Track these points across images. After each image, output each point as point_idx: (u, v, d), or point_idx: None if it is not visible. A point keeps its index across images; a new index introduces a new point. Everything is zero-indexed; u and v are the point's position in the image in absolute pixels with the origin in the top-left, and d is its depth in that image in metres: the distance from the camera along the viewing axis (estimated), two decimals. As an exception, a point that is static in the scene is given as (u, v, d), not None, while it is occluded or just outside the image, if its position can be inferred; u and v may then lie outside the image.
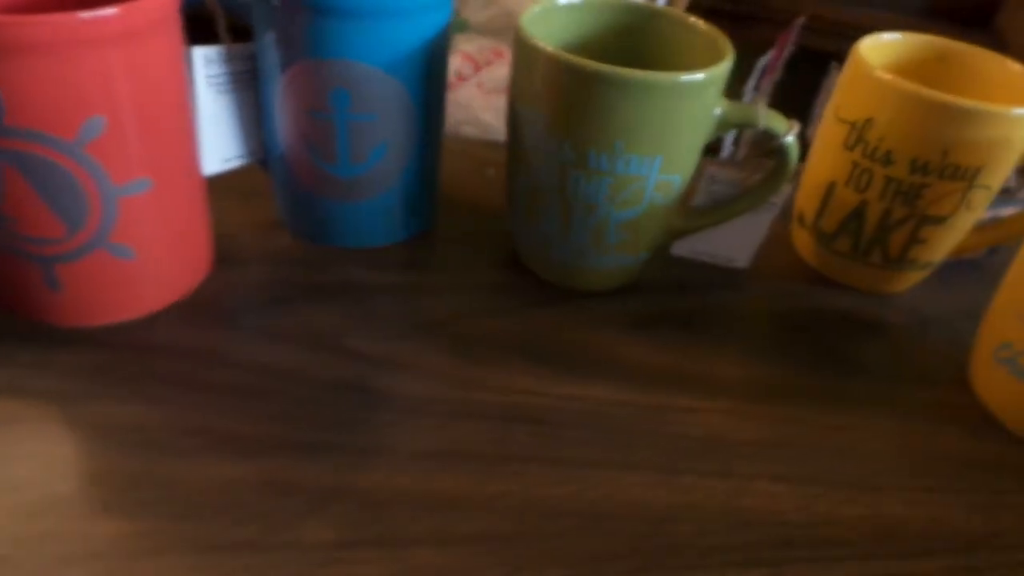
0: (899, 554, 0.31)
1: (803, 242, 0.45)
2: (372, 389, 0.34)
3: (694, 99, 0.34)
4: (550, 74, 0.33)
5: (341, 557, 0.28)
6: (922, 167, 0.38)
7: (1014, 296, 0.35)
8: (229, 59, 0.36)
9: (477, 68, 1.00)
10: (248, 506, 0.29)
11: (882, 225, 0.40)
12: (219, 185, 0.39)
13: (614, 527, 0.30)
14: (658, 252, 0.42)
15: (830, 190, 0.41)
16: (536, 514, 0.30)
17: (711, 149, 0.42)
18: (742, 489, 0.32)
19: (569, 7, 0.38)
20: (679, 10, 0.39)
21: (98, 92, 0.28)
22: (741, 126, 0.36)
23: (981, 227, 0.43)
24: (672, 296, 0.42)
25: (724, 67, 0.34)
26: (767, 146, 0.37)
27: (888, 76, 0.37)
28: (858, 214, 0.41)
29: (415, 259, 0.42)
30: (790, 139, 0.36)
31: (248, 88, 0.37)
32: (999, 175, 0.38)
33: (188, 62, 0.34)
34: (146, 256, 0.33)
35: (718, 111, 0.35)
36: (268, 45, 0.35)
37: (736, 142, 0.44)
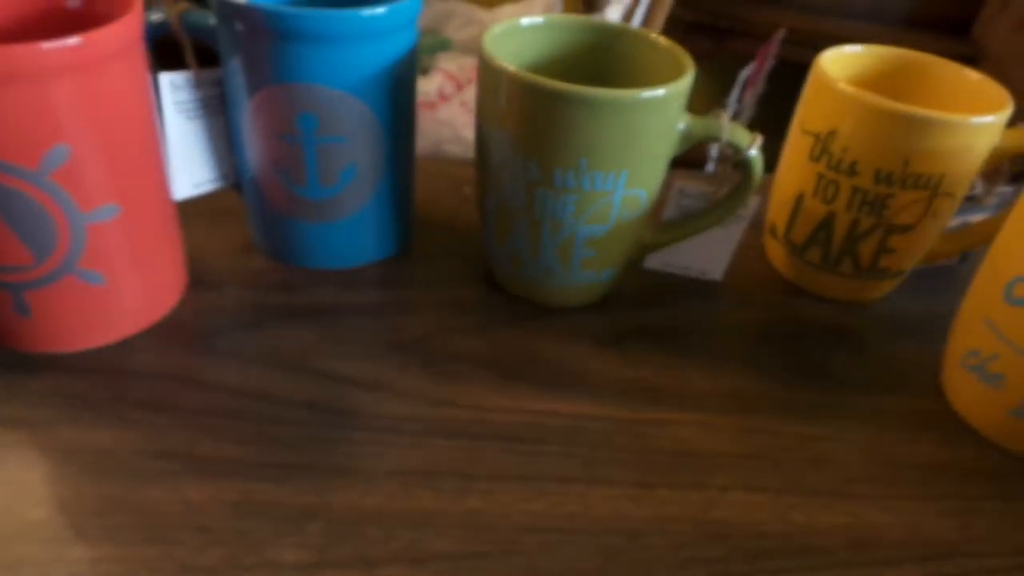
0: (876, 562, 0.31)
1: (776, 254, 0.46)
2: (345, 409, 0.34)
3: (657, 114, 0.34)
4: (513, 94, 0.34)
5: (314, 577, 0.28)
6: (886, 177, 0.38)
7: (980, 303, 0.36)
8: (197, 85, 0.36)
9: (459, 87, 1.01)
10: (222, 528, 0.29)
11: (850, 235, 0.41)
12: (193, 208, 0.40)
13: (588, 542, 0.30)
14: (631, 267, 0.42)
15: (799, 202, 0.42)
16: (510, 530, 0.30)
17: (687, 162, 0.43)
18: (716, 501, 0.32)
19: (532, 26, 0.39)
20: (641, 28, 0.39)
21: (61, 121, 0.28)
22: (705, 140, 0.37)
23: (950, 234, 0.43)
24: (646, 310, 0.42)
25: (685, 82, 0.35)
26: (734, 158, 0.38)
27: (849, 88, 0.38)
28: (826, 225, 0.41)
29: (389, 278, 0.42)
30: (754, 152, 0.37)
31: (217, 113, 0.38)
32: (962, 183, 0.39)
33: (155, 88, 0.34)
34: (116, 281, 0.33)
35: (681, 125, 0.36)
36: (234, 70, 0.35)
37: (719, 156, 0.45)
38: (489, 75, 0.35)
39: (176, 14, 0.35)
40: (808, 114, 0.41)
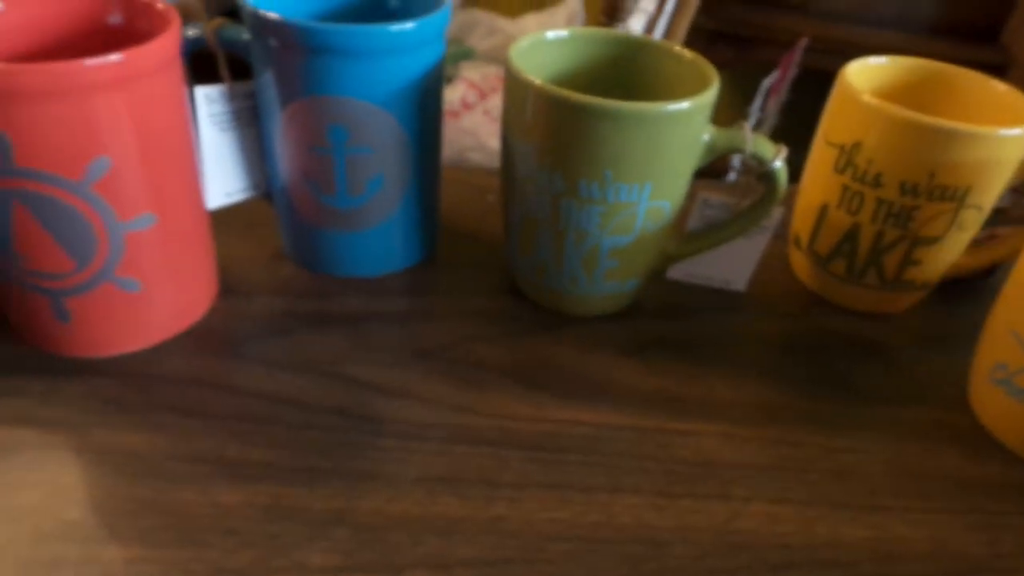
0: (900, 575, 0.31)
1: (800, 264, 0.46)
2: (372, 416, 0.35)
3: (681, 127, 0.35)
4: (539, 107, 0.34)
5: (341, 581, 0.28)
6: (911, 189, 0.38)
7: (1008, 316, 0.35)
8: (230, 97, 0.37)
9: (482, 96, 1.02)
10: (251, 531, 0.29)
11: (875, 247, 0.41)
12: (225, 217, 0.41)
13: (611, 551, 0.30)
14: (655, 277, 0.42)
15: (823, 213, 0.42)
16: (534, 538, 0.30)
17: (712, 173, 0.43)
18: (740, 512, 0.32)
19: (557, 40, 0.39)
20: (665, 39, 0.40)
21: (103, 134, 0.29)
22: (729, 152, 0.37)
23: (977, 246, 0.43)
24: (669, 320, 0.42)
25: (710, 95, 0.35)
26: (758, 170, 0.38)
27: (874, 100, 0.38)
28: (851, 236, 0.41)
29: (415, 287, 0.42)
30: (778, 164, 0.37)
31: (250, 124, 0.39)
32: (989, 195, 0.39)
33: (191, 101, 0.35)
34: (152, 288, 0.34)
35: (706, 137, 0.36)
36: (267, 84, 0.36)
37: (742, 167, 0.45)
38: (515, 88, 0.36)
39: (212, 29, 0.36)
40: (833, 126, 0.41)
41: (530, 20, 1.15)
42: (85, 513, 0.29)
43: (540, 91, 0.34)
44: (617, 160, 0.34)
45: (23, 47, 0.33)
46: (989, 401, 0.37)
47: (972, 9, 1.52)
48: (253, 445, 0.33)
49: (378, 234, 0.41)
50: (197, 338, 0.37)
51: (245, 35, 0.36)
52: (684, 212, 0.40)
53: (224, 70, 0.37)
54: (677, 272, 0.44)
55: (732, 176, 0.46)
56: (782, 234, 0.46)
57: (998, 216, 0.43)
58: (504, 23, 1.16)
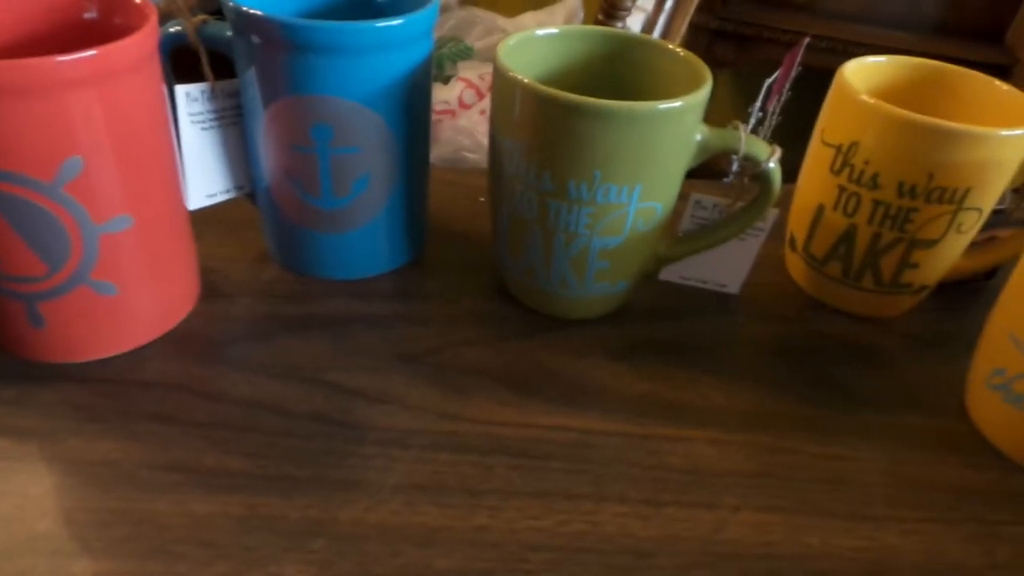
0: (893, 587, 0.30)
1: (795, 266, 0.45)
2: (354, 423, 0.34)
3: (673, 126, 0.34)
4: (527, 105, 0.34)
5: (318, 594, 0.27)
6: (909, 190, 0.37)
7: (1006, 320, 0.35)
8: (212, 96, 0.36)
9: (480, 95, 1.01)
10: (226, 543, 0.29)
11: (872, 249, 0.40)
12: (207, 218, 0.40)
13: (595, 561, 0.29)
14: (646, 279, 0.42)
15: (819, 214, 0.41)
16: (515, 548, 0.30)
17: (704, 173, 0.42)
18: (728, 521, 0.32)
19: (547, 37, 0.39)
20: (658, 38, 0.39)
21: (76, 133, 0.29)
22: (723, 152, 0.36)
23: (976, 249, 0.42)
24: (661, 323, 0.42)
25: (702, 93, 0.34)
26: (752, 170, 0.37)
27: (871, 99, 0.37)
28: (847, 238, 0.40)
29: (401, 289, 0.42)
30: (772, 165, 0.36)
31: (233, 123, 0.38)
32: (989, 197, 0.38)
33: (171, 99, 0.35)
34: (129, 292, 0.34)
35: (698, 137, 0.35)
36: (250, 82, 0.35)
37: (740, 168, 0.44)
38: (503, 86, 0.35)
39: (193, 26, 0.35)
40: (829, 125, 0.40)
41: (528, 18, 1.14)
42: (55, 525, 0.29)
43: (528, 89, 0.33)
44: (607, 160, 0.34)
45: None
46: (986, 407, 0.36)
47: (977, 9, 1.50)
48: (230, 453, 0.32)
49: (364, 235, 0.40)
50: (176, 343, 0.37)
51: (228, 32, 0.35)
52: (676, 213, 0.39)
53: (206, 68, 0.36)
54: (669, 274, 0.43)
55: (732, 177, 0.45)
56: (777, 235, 0.45)
57: (998, 217, 0.42)
58: (503, 21, 1.15)
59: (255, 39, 0.34)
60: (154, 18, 0.31)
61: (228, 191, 0.39)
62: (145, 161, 0.32)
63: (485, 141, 0.98)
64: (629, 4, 0.85)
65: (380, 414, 0.34)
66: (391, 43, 0.35)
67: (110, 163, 0.30)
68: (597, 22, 0.86)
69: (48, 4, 0.33)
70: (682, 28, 0.90)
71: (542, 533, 0.30)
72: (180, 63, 0.37)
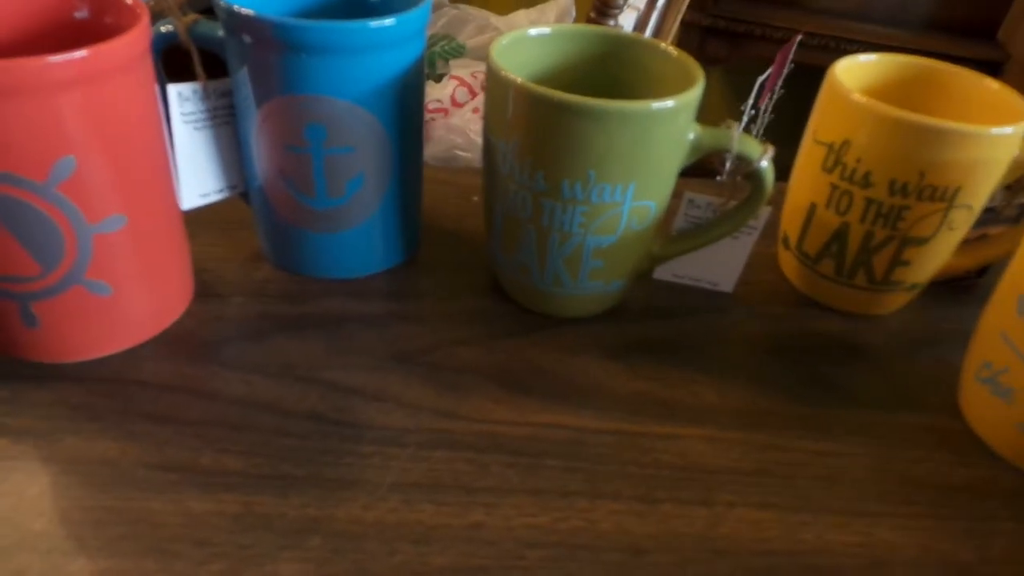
0: (888, 583, 0.30)
1: (788, 264, 0.45)
2: (350, 421, 0.34)
3: (666, 126, 0.34)
4: (520, 105, 0.34)
5: (315, 592, 0.27)
6: (901, 188, 0.37)
7: (997, 316, 0.35)
8: (205, 96, 0.36)
9: (473, 93, 1.01)
10: (222, 541, 0.29)
11: (864, 247, 0.40)
12: (201, 218, 0.40)
13: (590, 558, 0.30)
14: (640, 277, 0.42)
15: (811, 212, 0.41)
16: (511, 545, 0.30)
17: (698, 172, 0.42)
18: (723, 517, 0.32)
19: (540, 37, 0.39)
20: (650, 37, 0.39)
21: (68, 133, 0.29)
22: (715, 151, 0.36)
23: (968, 246, 0.42)
24: (655, 321, 0.42)
25: (695, 93, 0.34)
26: (744, 169, 0.37)
27: (862, 98, 0.37)
28: (840, 236, 0.40)
29: (396, 288, 0.42)
30: (764, 164, 0.36)
31: (226, 123, 0.38)
32: (980, 194, 0.38)
33: (163, 99, 0.34)
34: (123, 292, 0.34)
35: (691, 136, 0.35)
36: (243, 82, 0.35)
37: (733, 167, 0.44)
38: (496, 86, 0.35)
39: (185, 26, 0.35)
40: (821, 124, 0.40)
41: (520, 16, 1.14)
42: (51, 524, 0.29)
43: (521, 89, 0.33)
44: (601, 160, 0.34)
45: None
46: (975, 400, 0.36)
47: (969, 6, 1.51)
48: (226, 452, 0.32)
49: (358, 235, 0.40)
50: (171, 342, 0.37)
51: (219, 32, 0.35)
52: (670, 212, 0.39)
53: (199, 68, 0.36)
54: (663, 273, 0.43)
55: (727, 176, 0.45)
56: (771, 234, 0.46)
57: (989, 215, 0.42)
58: (495, 20, 1.15)
59: (247, 39, 0.34)
60: (145, 18, 0.31)
61: (221, 191, 0.39)
62: (138, 161, 0.32)
63: (478, 139, 0.98)
64: (621, 2, 0.85)
65: (376, 412, 0.34)
66: (384, 43, 0.35)
67: (103, 163, 0.30)
68: (589, 20, 0.86)
69: (39, 4, 0.33)
70: (674, 26, 0.91)
71: (538, 530, 0.30)
72: (172, 63, 0.37)
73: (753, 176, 0.37)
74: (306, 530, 0.29)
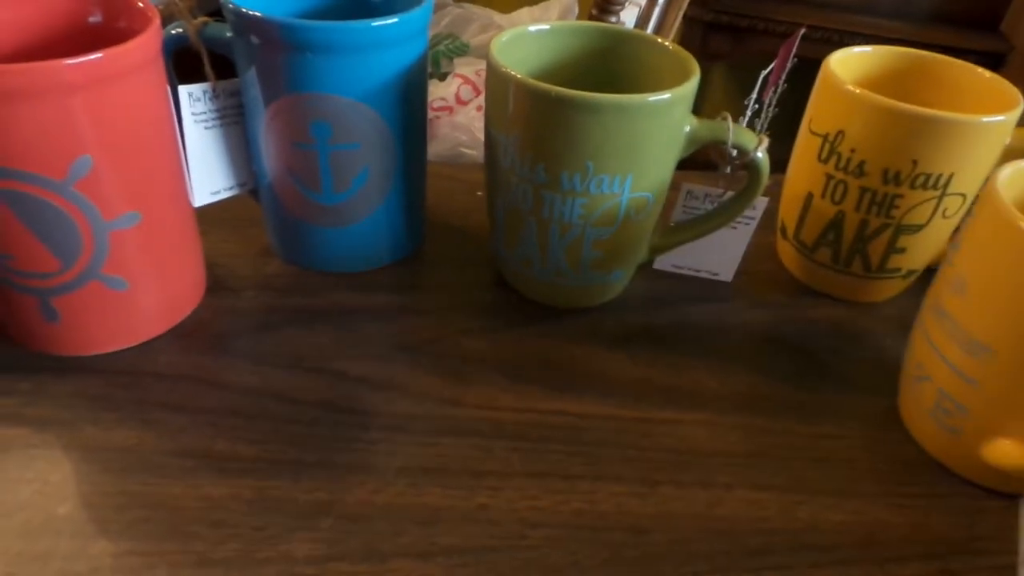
0: (881, 559, 0.31)
1: (786, 253, 0.46)
2: (359, 409, 0.35)
3: (662, 118, 0.35)
4: (519, 100, 0.35)
5: (327, 569, 0.29)
6: (894, 177, 0.38)
7: (922, 324, 0.35)
8: (214, 96, 0.37)
9: (477, 91, 1.02)
10: (237, 523, 0.30)
11: (860, 235, 0.41)
12: (213, 215, 0.41)
13: (593, 537, 0.31)
14: (641, 268, 0.43)
15: (808, 202, 0.42)
16: (515, 526, 0.31)
17: (697, 164, 0.43)
18: (722, 498, 0.33)
19: (539, 33, 0.40)
20: (648, 32, 0.40)
21: (85, 133, 0.30)
22: (711, 143, 0.37)
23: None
24: (655, 310, 0.43)
25: (690, 86, 0.35)
26: (740, 160, 0.38)
27: (855, 88, 0.38)
28: (836, 225, 0.41)
29: (402, 281, 0.43)
30: (760, 155, 0.37)
31: (235, 122, 0.39)
32: (972, 182, 0.39)
33: (175, 100, 0.36)
34: (139, 286, 0.35)
35: (687, 128, 0.36)
36: (251, 81, 0.36)
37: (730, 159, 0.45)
38: (496, 82, 0.36)
39: (194, 28, 0.36)
40: (816, 115, 0.41)
41: (524, 14, 1.15)
42: (74, 508, 0.30)
43: (520, 84, 0.34)
44: (598, 152, 0.35)
45: (3, 47, 0.34)
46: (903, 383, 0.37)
47: (972, -3, 1.51)
48: (240, 440, 0.33)
49: (364, 229, 0.41)
50: (185, 335, 0.38)
51: (228, 33, 0.37)
52: (669, 204, 0.40)
53: (208, 69, 0.37)
54: (664, 264, 0.44)
55: (729, 169, 0.45)
56: (769, 224, 0.46)
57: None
58: (498, 18, 1.16)
59: (254, 39, 0.35)
60: (157, 21, 0.32)
61: (232, 188, 0.41)
62: (151, 160, 0.33)
63: (483, 137, 0.99)
64: (623, -2, 0.85)
65: (383, 401, 0.35)
66: (386, 41, 0.36)
67: (118, 162, 0.31)
68: (591, 17, 0.87)
69: (54, 10, 0.34)
70: (676, 21, 0.91)
71: (541, 512, 0.31)
72: (182, 64, 0.38)
73: (749, 166, 0.37)
74: (317, 512, 0.30)
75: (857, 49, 0.42)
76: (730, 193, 0.40)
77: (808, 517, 0.32)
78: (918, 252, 0.41)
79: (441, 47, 1.09)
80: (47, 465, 0.31)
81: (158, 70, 0.33)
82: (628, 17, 0.90)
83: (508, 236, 0.40)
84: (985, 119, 0.37)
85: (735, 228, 0.42)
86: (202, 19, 0.37)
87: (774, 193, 0.43)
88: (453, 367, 0.38)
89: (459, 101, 1.00)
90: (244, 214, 0.44)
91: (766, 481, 0.34)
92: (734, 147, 0.37)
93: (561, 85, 0.34)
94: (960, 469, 0.34)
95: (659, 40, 0.39)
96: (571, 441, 0.34)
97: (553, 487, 0.32)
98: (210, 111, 0.38)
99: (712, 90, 1.64)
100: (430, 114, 0.97)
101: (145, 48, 0.31)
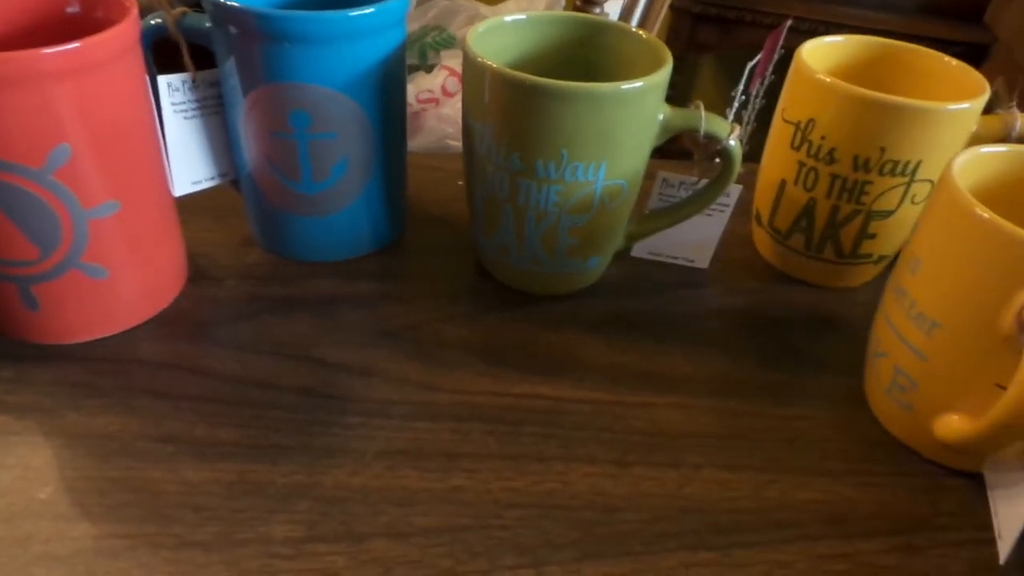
0: (847, 535, 0.32)
1: (761, 240, 0.47)
2: (338, 395, 0.36)
3: (635, 106, 0.35)
4: (495, 89, 0.35)
5: (305, 550, 0.29)
6: (863, 164, 0.39)
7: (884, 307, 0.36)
8: (193, 86, 0.38)
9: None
10: (216, 506, 0.30)
11: (831, 222, 0.42)
12: (194, 204, 0.42)
13: (566, 516, 0.31)
14: (618, 255, 0.43)
15: (781, 189, 0.43)
16: (490, 506, 0.31)
17: (673, 153, 0.43)
18: (692, 478, 0.33)
19: (515, 23, 0.40)
20: (623, 22, 0.40)
21: (63, 122, 0.30)
22: (684, 130, 0.38)
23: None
24: (632, 297, 0.43)
25: (663, 74, 0.36)
26: (714, 148, 0.39)
27: (824, 77, 0.39)
28: (808, 212, 0.42)
29: (383, 269, 0.43)
30: (732, 142, 0.38)
31: (215, 112, 0.39)
32: (940, 169, 0.39)
33: (154, 90, 0.36)
34: (119, 275, 0.35)
35: (660, 116, 0.37)
36: (230, 71, 0.37)
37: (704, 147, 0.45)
38: (473, 72, 0.36)
39: (173, 18, 0.37)
40: (788, 104, 0.42)
41: (511, 6, 1.15)
42: (56, 493, 0.30)
43: (496, 73, 0.35)
44: (573, 140, 0.35)
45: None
46: (868, 370, 0.38)
47: (957, -12, 1.52)
48: (220, 425, 0.34)
49: (344, 218, 0.41)
50: (167, 323, 0.38)
51: (207, 23, 0.37)
52: (645, 192, 0.41)
53: (187, 59, 0.38)
54: (641, 250, 0.45)
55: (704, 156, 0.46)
56: (745, 212, 0.47)
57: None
58: (485, 10, 1.16)
59: (233, 30, 0.36)
60: (135, 11, 0.33)
61: (212, 178, 0.41)
62: (130, 149, 0.33)
63: (469, 128, 0.99)
64: (607, -10, 0.86)
65: (362, 386, 0.36)
66: (363, 31, 0.36)
67: (96, 150, 0.32)
68: (576, 9, 0.88)
69: (33, 0, 0.34)
70: (661, 13, 0.92)
71: (515, 492, 0.32)
72: (162, 54, 0.38)
73: (722, 154, 0.38)
74: (295, 495, 0.31)
75: (829, 39, 0.43)
76: (704, 181, 0.40)
77: (778, 496, 0.33)
78: (889, 238, 0.42)
79: (428, 39, 1.09)
80: (28, 451, 0.32)
81: (137, 60, 0.33)
82: (612, 8, 0.90)
83: (486, 224, 0.40)
84: (951, 107, 0.37)
85: (710, 215, 0.42)
86: (181, 9, 0.37)
87: (748, 181, 0.44)
88: (432, 353, 0.38)
89: (445, 93, 1.00)
90: (226, 203, 0.45)
91: (738, 462, 0.34)
92: (707, 135, 0.37)
93: (537, 74, 0.34)
94: (919, 447, 0.35)
95: (634, 30, 0.40)
96: (547, 424, 0.35)
97: (527, 468, 0.33)
98: (190, 101, 0.38)
99: (701, 81, 1.64)
100: (416, 106, 0.97)
101: (123, 37, 0.31)
